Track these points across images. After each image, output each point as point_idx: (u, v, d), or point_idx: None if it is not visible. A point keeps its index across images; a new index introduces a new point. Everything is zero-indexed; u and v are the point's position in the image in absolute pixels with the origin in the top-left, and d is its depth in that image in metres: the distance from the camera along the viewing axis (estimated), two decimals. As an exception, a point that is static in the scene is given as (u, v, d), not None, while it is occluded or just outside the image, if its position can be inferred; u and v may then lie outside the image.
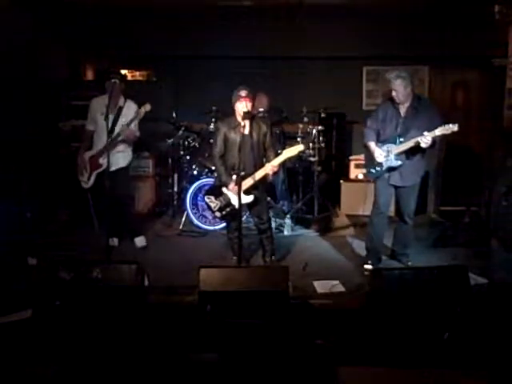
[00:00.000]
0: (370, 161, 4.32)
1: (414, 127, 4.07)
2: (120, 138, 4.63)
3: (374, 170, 4.31)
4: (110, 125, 4.38)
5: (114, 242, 4.95)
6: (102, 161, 4.65)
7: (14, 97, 5.46)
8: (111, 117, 4.48)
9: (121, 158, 4.78)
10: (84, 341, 2.86)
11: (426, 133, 3.96)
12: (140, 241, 5.06)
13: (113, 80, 4.51)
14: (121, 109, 4.66)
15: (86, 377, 2.59)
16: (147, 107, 4.57)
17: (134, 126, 4.66)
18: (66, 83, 6.80)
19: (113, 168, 4.54)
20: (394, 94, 4.10)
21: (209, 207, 4.38)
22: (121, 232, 5.08)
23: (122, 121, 4.61)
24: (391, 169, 4.22)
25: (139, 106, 4.65)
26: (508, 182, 4.49)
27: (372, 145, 4.26)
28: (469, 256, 4.59)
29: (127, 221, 5.08)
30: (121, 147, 4.77)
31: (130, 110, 4.68)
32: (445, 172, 6.15)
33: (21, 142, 5.41)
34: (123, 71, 7.34)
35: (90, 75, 7.54)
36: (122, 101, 4.73)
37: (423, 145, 3.98)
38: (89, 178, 4.83)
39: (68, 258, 4.49)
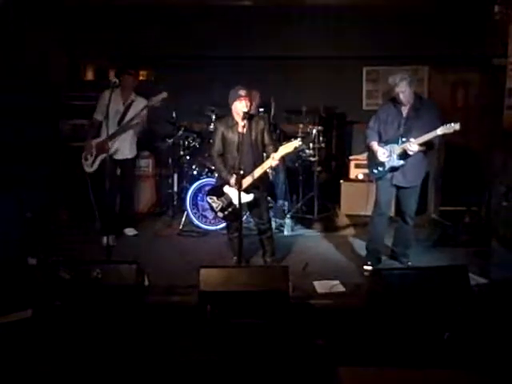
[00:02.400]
0: (373, 161, 4.32)
1: (416, 127, 4.07)
2: (135, 122, 4.97)
3: (376, 171, 4.31)
4: (120, 115, 4.99)
5: (110, 240, 4.87)
6: (110, 145, 4.89)
7: (14, 97, 5.45)
8: (122, 108, 5.04)
9: (128, 148, 5.09)
10: (84, 341, 2.86)
11: (412, 139, 3.99)
12: (130, 230, 5.41)
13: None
14: (132, 102, 5.08)
15: (86, 376, 2.59)
16: (164, 94, 4.89)
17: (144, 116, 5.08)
18: (65, 83, 6.80)
19: (120, 156, 5.01)
20: (401, 96, 4.08)
21: (211, 207, 4.38)
22: (118, 226, 5.27)
23: (132, 113, 5.00)
24: (393, 169, 4.21)
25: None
26: (508, 182, 4.49)
27: (374, 145, 4.26)
28: (469, 256, 4.59)
29: (126, 213, 5.38)
30: (129, 137, 5.08)
31: (139, 103, 5.06)
32: (445, 172, 6.14)
33: (21, 142, 5.41)
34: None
35: (89, 75, 7.54)
36: (133, 95, 5.13)
37: (409, 152, 4.02)
38: (93, 162, 5.04)
39: (68, 257, 4.49)
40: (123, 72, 5.18)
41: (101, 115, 5.00)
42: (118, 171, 5.25)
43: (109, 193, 4.58)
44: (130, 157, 5.20)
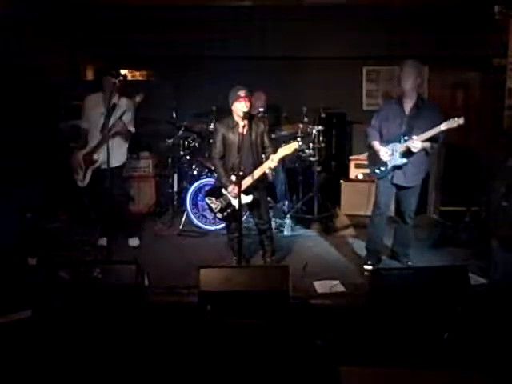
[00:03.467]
0: (374, 161, 4.29)
1: (417, 126, 4.05)
2: (112, 132, 4.53)
3: (378, 170, 4.29)
4: (102, 121, 4.50)
5: (103, 241, 4.82)
6: (97, 157, 4.67)
7: (14, 97, 5.46)
8: (105, 113, 4.52)
9: (115, 155, 4.58)
10: (84, 341, 2.86)
11: (415, 137, 3.98)
12: (133, 241, 5.10)
13: (112, 80, 4.49)
14: (115, 105, 4.53)
15: (86, 376, 2.59)
16: (140, 97, 4.60)
17: (125, 119, 4.64)
18: (65, 83, 6.80)
19: (106, 166, 4.43)
20: (404, 81, 4.03)
21: (210, 208, 4.39)
22: (113, 231, 4.88)
23: (116, 116, 4.58)
24: (396, 167, 4.20)
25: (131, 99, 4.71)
26: (508, 182, 4.49)
27: (376, 144, 4.23)
28: (469, 256, 4.58)
29: (122, 220, 5.05)
30: (115, 144, 4.64)
31: (122, 106, 4.66)
32: (445, 172, 6.14)
33: (20, 143, 5.41)
34: (123, 71, 7.34)
35: (89, 75, 7.54)
36: (116, 98, 4.59)
37: (413, 150, 4.00)
38: (84, 176, 4.77)
39: (68, 257, 4.49)
40: (104, 72, 4.72)
41: (86, 123, 4.78)
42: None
43: (102, 201, 4.53)
44: (116, 165, 4.69)
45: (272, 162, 4.03)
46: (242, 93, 4.06)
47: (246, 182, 4.08)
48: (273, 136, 5.40)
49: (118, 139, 4.72)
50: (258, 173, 4.11)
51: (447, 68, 7.10)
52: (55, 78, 6.67)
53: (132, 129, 4.82)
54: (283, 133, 6.07)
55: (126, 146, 4.94)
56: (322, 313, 3.54)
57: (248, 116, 4.05)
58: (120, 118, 4.58)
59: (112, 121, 4.55)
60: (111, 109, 4.51)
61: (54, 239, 5.12)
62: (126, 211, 5.21)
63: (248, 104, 4.06)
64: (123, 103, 4.70)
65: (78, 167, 4.80)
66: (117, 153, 4.68)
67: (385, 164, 4.21)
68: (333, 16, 6.71)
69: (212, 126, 5.63)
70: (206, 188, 5.15)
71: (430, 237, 5.23)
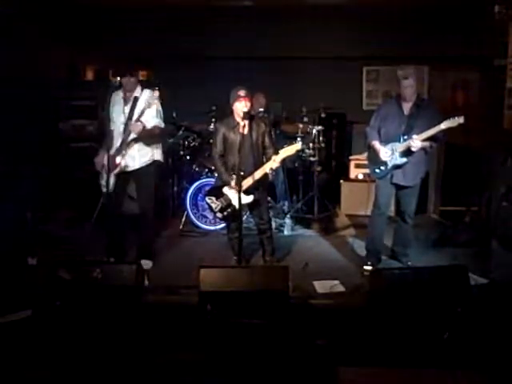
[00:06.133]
0: (374, 160, 4.30)
1: (417, 126, 4.06)
2: (132, 137, 4.18)
3: (378, 170, 4.29)
4: (125, 121, 4.17)
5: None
6: (119, 160, 4.20)
7: (14, 97, 5.46)
8: (127, 109, 4.22)
9: (141, 156, 4.29)
10: (84, 341, 2.86)
11: (415, 136, 3.98)
12: (146, 263, 4.37)
13: (132, 79, 4.26)
14: (136, 99, 4.23)
15: (85, 377, 2.59)
16: (155, 93, 4.21)
17: (148, 116, 4.20)
18: (65, 83, 6.80)
19: (129, 168, 4.28)
20: (408, 90, 4.06)
21: (210, 208, 4.38)
22: (125, 251, 4.55)
23: (138, 112, 4.19)
24: (396, 167, 4.20)
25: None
26: (508, 182, 4.49)
27: (376, 144, 4.23)
28: (469, 256, 4.58)
29: (145, 241, 4.55)
30: (139, 145, 4.27)
31: (143, 98, 4.25)
32: (445, 172, 6.15)
33: (21, 142, 5.42)
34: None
35: (89, 75, 7.54)
36: (138, 91, 4.28)
37: (413, 149, 4.00)
38: (108, 181, 4.19)
39: (68, 257, 4.49)
40: (124, 73, 4.25)
41: (112, 123, 4.31)
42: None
43: (117, 216, 4.37)
44: (138, 166, 4.30)
45: (274, 162, 4.04)
46: (242, 92, 4.06)
47: (247, 183, 4.08)
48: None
49: (141, 140, 4.26)
50: (259, 173, 4.11)
51: (447, 68, 7.11)
52: (55, 78, 6.67)
53: (160, 124, 4.34)
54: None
55: (156, 141, 4.43)
56: (321, 313, 3.54)
57: (248, 116, 4.06)
58: (138, 119, 4.16)
59: (134, 120, 4.17)
60: (133, 105, 4.21)
61: (54, 239, 5.11)
62: (149, 225, 4.56)
63: (248, 104, 4.07)
64: (145, 96, 4.25)
65: (103, 171, 4.24)
66: (142, 153, 4.31)
67: (385, 164, 4.22)
68: (333, 16, 6.72)
69: (212, 126, 5.64)
70: (206, 188, 5.15)
71: (429, 237, 5.23)
